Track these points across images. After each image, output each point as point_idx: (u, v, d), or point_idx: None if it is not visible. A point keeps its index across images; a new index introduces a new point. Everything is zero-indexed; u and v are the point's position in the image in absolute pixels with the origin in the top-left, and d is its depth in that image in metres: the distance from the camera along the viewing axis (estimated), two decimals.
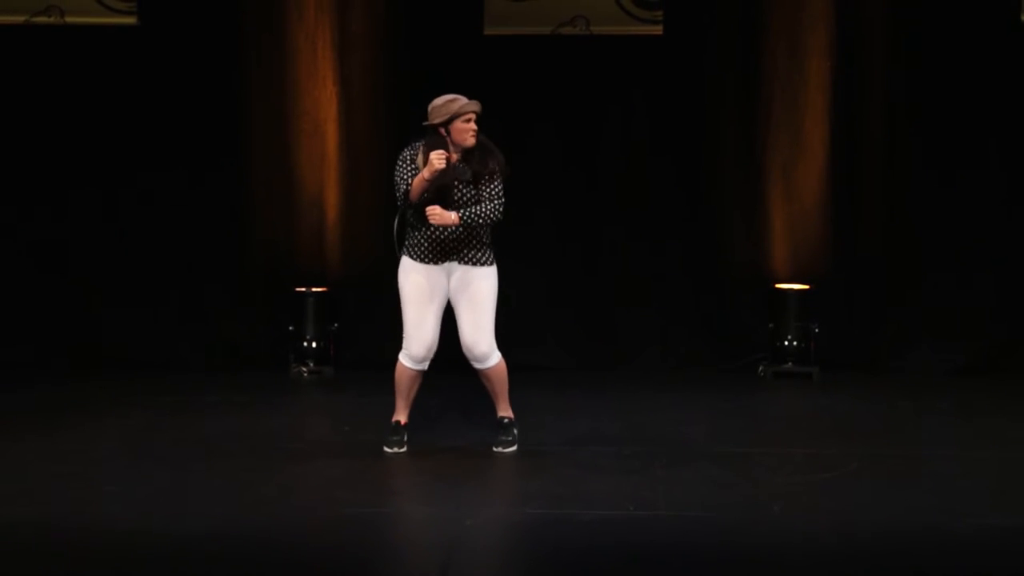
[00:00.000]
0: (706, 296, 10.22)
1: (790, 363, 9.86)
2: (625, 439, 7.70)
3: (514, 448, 7.27)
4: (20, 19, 10.17)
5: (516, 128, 9.79)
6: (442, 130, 6.99)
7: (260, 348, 10.25)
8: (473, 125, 7.00)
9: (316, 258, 10.30)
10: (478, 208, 7.00)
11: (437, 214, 6.95)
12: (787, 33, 10.04)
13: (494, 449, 7.26)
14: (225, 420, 8.37)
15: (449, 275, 7.14)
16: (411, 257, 7.14)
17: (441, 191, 7.01)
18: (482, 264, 7.14)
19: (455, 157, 7.02)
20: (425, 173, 6.90)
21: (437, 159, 6.85)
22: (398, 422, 7.33)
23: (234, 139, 10.26)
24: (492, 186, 7.06)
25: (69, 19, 10.16)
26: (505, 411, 7.35)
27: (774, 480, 6.74)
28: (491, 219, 7.05)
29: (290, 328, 10.00)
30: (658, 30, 10.04)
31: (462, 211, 6.99)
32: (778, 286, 10.02)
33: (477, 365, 7.21)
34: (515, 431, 7.33)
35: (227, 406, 8.81)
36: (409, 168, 7.05)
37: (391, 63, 10.17)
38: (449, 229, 7.03)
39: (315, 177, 10.30)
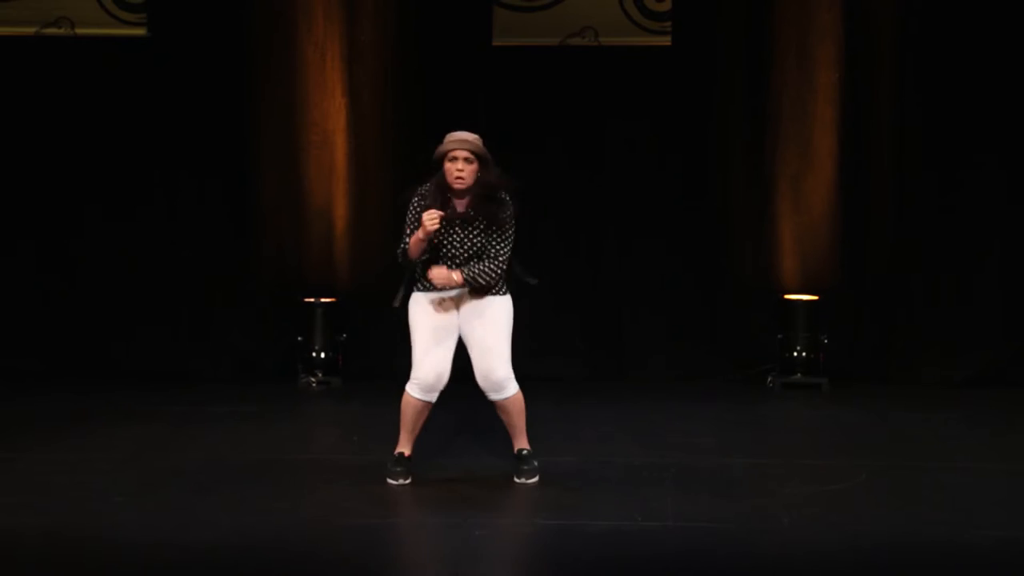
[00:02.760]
0: (715, 307, 10.22)
1: (799, 374, 9.86)
2: (633, 449, 7.70)
3: (536, 479, 6.90)
4: (30, 30, 10.21)
5: (524, 139, 9.82)
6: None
7: (268, 359, 10.26)
8: (458, 166, 6.57)
9: (325, 269, 10.32)
10: (480, 266, 6.65)
11: (440, 277, 6.60)
12: (795, 45, 10.05)
13: (516, 480, 6.89)
14: (233, 431, 8.37)
15: (460, 307, 6.78)
16: (420, 290, 6.79)
17: (446, 237, 6.68)
18: (495, 294, 6.79)
19: (464, 203, 6.66)
20: (419, 233, 6.56)
21: (429, 222, 6.48)
22: (401, 454, 6.90)
23: (243, 150, 10.28)
24: (499, 237, 6.68)
25: (79, 30, 10.20)
26: (523, 443, 6.94)
27: (782, 491, 6.73)
28: (493, 277, 6.67)
29: (298, 339, 10.01)
30: (666, 41, 10.05)
31: (464, 270, 6.63)
32: (787, 297, 10.02)
33: (493, 396, 6.80)
34: (535, 462, 6.94)
35: (235, 417, 8.81)
36: (415, 217, 6.67)
37: (400, 74, 10.19)
38: (459, 264, 6.66)
39: (324, 188, 10.31)
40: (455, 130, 6.73)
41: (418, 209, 6.67)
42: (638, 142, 10.18)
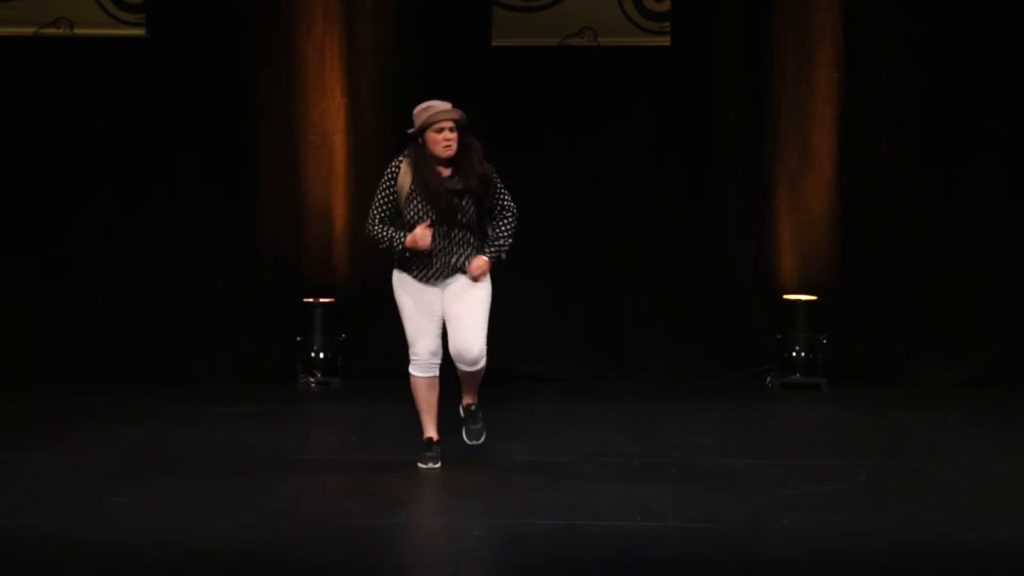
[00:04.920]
0: (714, 307, 10.21)
1: (798, 374, 9.86)
2: (633, 450, 7.70)
3: (484, 435, 7.19)
4: (29, 31, 10.20)
5: (523, 139, 9.83)
6: (420, 139, 6.91)
7: (268, 359, 10.25)
8: (446, 135, 6.85)
9: (324, 269, 10.31)
10: (499, 229, 7.01)
11: (479, 270, 6.94)
12: (794, 45, 10.05)
13: (467, 441, 7.20)
14: (233, 431, 8.37)
15: (445, 287, 7.03)
16: (405, 272, 7.07)
17: (446, 212, 6.90)
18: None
19: (448, 170, 6.91)
20: (414, 243, 6.90)
21: (423, 239, 6.85)
22: (430, 438, 7.17)
23: (242, 150, 10.27)
24: (500, 193, 7.02)
25: (78, 31, 10.19)
26: (473, 398, 7.23)
27: (782, 491, 6.73)
28: (512, 232, 7.05)
29: (298, 339, 10.01)
30: (665, 41, 10.05)
31: (488, 250, 6.98)
32: (786, 297, 10.02)
33: (466, 368, 7.04)
34: (481, 418, 7.22)
35: (235, 417, 8.81)
36: (387, 192, 6.99)
37: (399, 74, 10.18)
38: (443, 251, 6.95)
39: (323, 188, 10.31)
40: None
41: (390, 183, 6.99)
42: (637, 142, 10.17)
